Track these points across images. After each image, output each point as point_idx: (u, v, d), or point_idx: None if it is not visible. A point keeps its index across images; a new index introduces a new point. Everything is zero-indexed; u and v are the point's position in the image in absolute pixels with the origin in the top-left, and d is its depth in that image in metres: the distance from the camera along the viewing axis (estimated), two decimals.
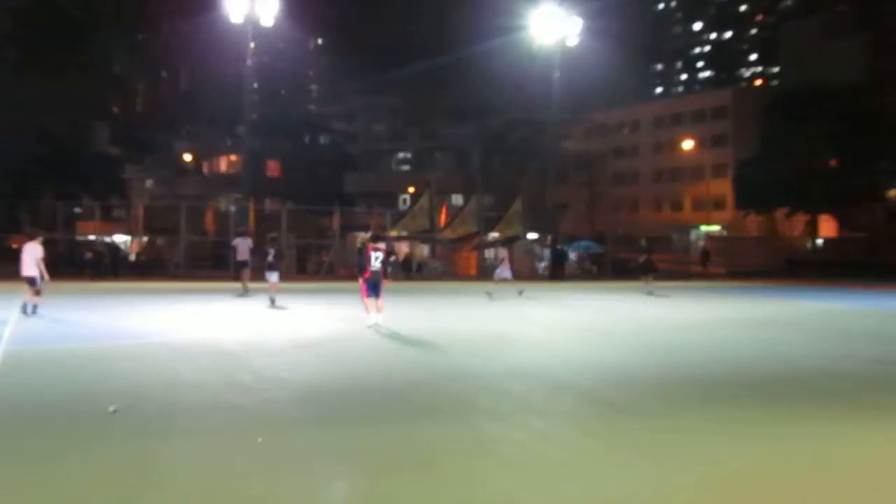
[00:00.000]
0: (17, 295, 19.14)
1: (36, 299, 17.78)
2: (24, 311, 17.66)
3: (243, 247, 26.96)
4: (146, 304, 22.05)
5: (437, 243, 46.61)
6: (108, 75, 53.69)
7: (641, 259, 32.32)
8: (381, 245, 17.09)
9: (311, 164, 68.05)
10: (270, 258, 22.62)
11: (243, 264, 26.77)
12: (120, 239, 45.56)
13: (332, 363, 12.03)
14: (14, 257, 19.20)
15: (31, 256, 17.91)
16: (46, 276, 18.00)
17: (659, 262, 38.85)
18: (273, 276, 22.08)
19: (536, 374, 11.26)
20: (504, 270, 27.25)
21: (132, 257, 42.25)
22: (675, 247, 55.17)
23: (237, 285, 26.83)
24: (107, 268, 35.65)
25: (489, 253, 46.39)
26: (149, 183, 72.92)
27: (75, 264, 35.40)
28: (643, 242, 42.69)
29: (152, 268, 38.75)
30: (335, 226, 41.93)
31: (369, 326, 16.06)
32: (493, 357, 12.84)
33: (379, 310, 16.43)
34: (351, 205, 56.93)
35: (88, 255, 36.59)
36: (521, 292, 26.97)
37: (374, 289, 16.42)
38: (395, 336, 15.26)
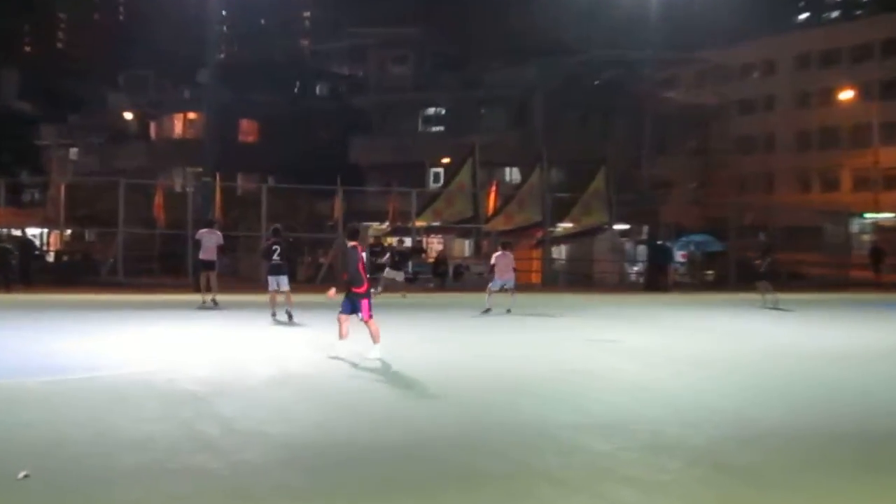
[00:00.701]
0: None
1: None
2: None
3: (209, 242, 27.25)
4: (69, 323, 22.23)
5: (484, 237, 46.76)
6: None
7: (759, 258, 31.99)
8: (357, 243, 17.00)
9: (303, 125, 68.47)
10: (277, 257, 23.21)
11: (209, 265, 27.07)
12: (33, 232, 46.20)
13: (330, 408, 12.06)
14: None
15: None
16: None
17: (806, 264, 38.60)
18: (283, 282, 23.38)
19: (626, 425, 11.20)
20: (498, 279, 27.71)
21: (50, 257, 42.86)
22: (827, 242, 54.57)
23: (197, 296, 27.06)
24: (14, 273, 36.13)
25: (556, 251, 46.41)
26: (73, 153, 73.92)
27: None
28: (761, 236, 42.37)
29: (78, 272, 39.25)
30: (337, 213, 42.18)
31: (332, 357, 16.20)
32: (563, 402, 12.79)
33: (375, 339, 16.41)
34: (359, 182, 57.22)
35: None
36: (508, 310, 26.90)
37: (352, 304, 16.52)
38: (419, 369, 15.26)
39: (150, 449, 9.66)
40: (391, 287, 33.48)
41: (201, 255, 27.57)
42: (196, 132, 67.76)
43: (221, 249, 27.77)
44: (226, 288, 27.81)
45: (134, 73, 75.02)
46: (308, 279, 39.12)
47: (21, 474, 8.46)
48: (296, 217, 44.52)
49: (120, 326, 21.53)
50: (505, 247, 29.11)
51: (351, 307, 16.48)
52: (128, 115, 73.66)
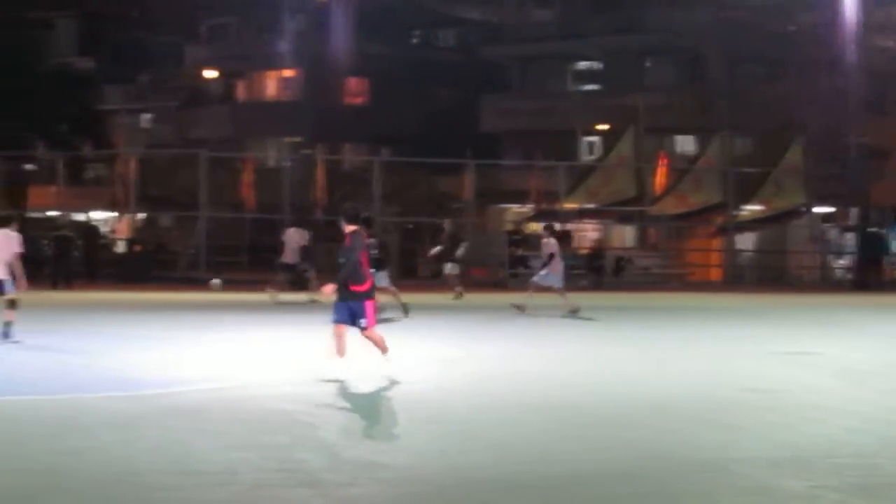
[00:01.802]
0: None
1: (9, 315, 19.67)
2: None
3: (294, 241, 28.28)
4: (141, 329, 22.74)
5: (651, 223, 46.35)
6: None
7: None
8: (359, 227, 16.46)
9: (424, 84, 68.61)
10: (375, 251, 23.47)
11: (289, 269, 28.05)
12: (98, 217, 47.24)
13: (453, 434, 12.08)
14: None
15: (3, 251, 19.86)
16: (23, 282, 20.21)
17: None
18: (381, 278, 23.46)
19: (828, 459, 11.03)
20: (550, 274, 27.62)
21: (118, 247, 43.61)
22: None
23: (295, 296, 27.54)
24: (75, 266, 36.94)
25: (741, 241, 45.73)
26: (145, 119, 75.10)
27: (25, 260, 36.96)
28: None
29: (151, 265, 39.89)
30: (467, 192, 42.31)
31: (327, 380, 15.54)
32: (748, 430, 12.62)
33: (384, 349, 16.10)
34: (494, 154, 57.08)
35: (46, 244, 38.03)
36: (574, 311, 26.94)
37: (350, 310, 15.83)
38: (572, 388, 15.22)
39: (236, 483, 9.77)
40: (451, 283, 33.31)
41: (284, 259, 28.44)
42: (292, 93, 68.26)
43: (306, 250, 28.50)
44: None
45: (217, 23, 75.50)
46: (435, 273, 39.27)
47: None
48: (415, 198, 44.78)
49: (201, 333, 21.91)
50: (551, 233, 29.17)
51: (350, 313, 15.62)
52: (209, 74, 74.03)
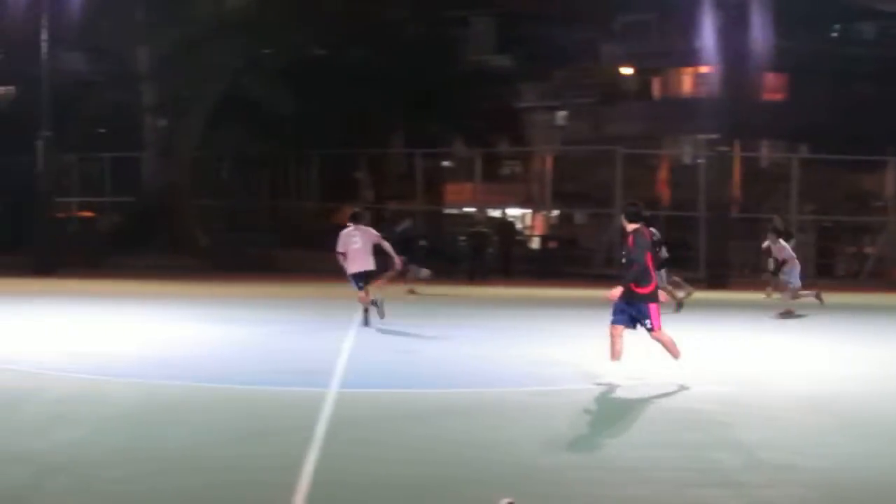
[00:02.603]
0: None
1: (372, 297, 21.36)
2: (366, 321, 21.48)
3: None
4: (558, 324, 23.19)
5: None
6: None
7: None
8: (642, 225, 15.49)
9: (843, 78, 66.69)
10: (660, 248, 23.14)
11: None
12: (513, 213, 48.22)
13: (880, 440, 11.74)
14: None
15: (365, 244, 21.52)
16: (397, 262, 22.71)
17: None
18: (662, 276, 23.36)
19: None
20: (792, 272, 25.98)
21: (533, 243, 44.38)
22: None
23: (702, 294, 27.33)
24: (491, 262, 37.78)
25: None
26: (560, 116, 75.99)
27: (440, 253, 38.11)
28: None
29: (564, 261, 40.37)
30: (889, 190, 40.86)
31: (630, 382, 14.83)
32: None
33: (675, 353, 15.14)
34: None
35: (463, 240, 39.09)
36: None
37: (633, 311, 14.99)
38: None
39: (654, 480, 9.79)
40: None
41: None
42: (709, 90, 67.58)
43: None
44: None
45: (633, 19, 75.64)
46: (853, 274, 38.19)
47: (504, 501, 8.84)
48: (833, 195, 43.62)
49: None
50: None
51: (630, 315, 14.88)
52: (625, 71, 74.47)
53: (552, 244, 42.65)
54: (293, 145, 49.50)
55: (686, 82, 73.61)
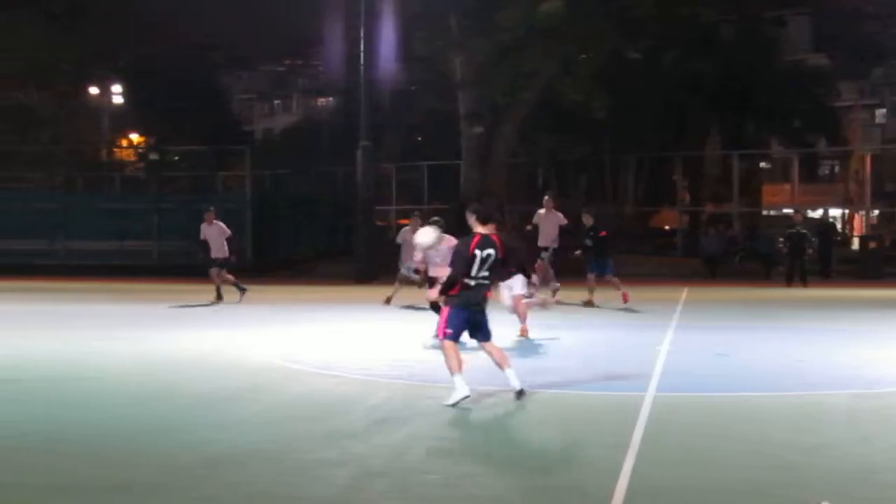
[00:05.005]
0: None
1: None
2: None
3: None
4: (879, 326, 22.45)
5: None
6: None
7: None
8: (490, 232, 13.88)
9: None
10: None
11: None
12: (833, 213, 47.08)
13: None
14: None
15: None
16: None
17: None
18: None
19: None
20: None
21: (853, 244, 43.23)
22: None
23: None
24: (810, 264, 37.01)
25: None
26: (880, 115, 73.84)
27: (756, 254, 37.48)
28: None
29: (884, 262, 39.25)
30: None
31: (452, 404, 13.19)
32: None
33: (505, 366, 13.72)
34: None
35: (781, 242, 38.33)
36: None
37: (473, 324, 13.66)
38: None
39: None
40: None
41: None
42: None
43: None
44: None
45: None
46: None
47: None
48: None
49: None
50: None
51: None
52: None
53: (872, 244, 41.41)
54: (609, 149, 49.52)
55: None
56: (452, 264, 13.47)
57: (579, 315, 25.72)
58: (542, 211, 28.95)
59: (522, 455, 10.91)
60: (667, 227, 53.68)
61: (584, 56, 45.02)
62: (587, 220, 27.10)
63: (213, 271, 28.83)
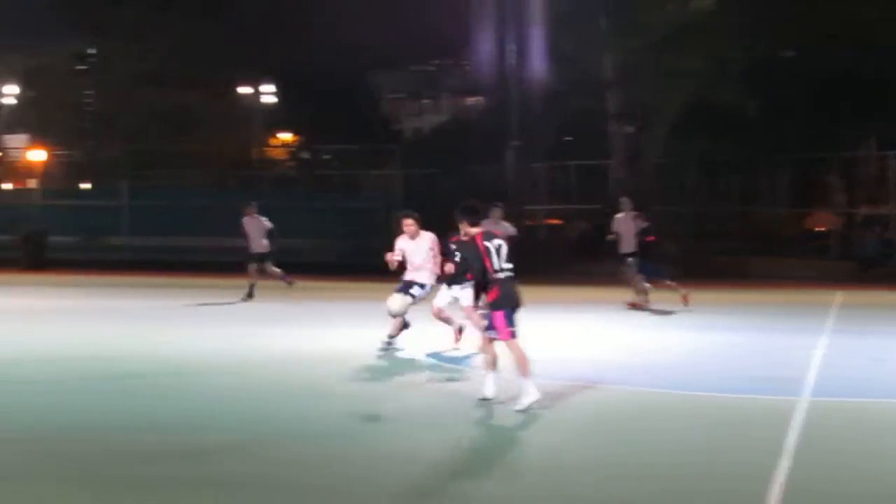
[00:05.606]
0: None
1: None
2: None
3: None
4: None
5: None
6: None
7: None
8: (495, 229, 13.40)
9: None
10: None
11: None
12: None
13: None
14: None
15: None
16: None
17: None
18: None
19: None
20: None
21: None
22: None
23: None
24: None
25: None
26: None
27: None
28: None
29: None
30: None
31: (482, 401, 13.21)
32: None
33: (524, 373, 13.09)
34: None
35: None
36: None
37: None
38: None
39: None
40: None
41: None
42: None
43: None
44: None
45: None
46: None
47: None
48: None
49: None
50: None
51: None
52: None
53: None
54: (762, 150, 48.80)
55: None
56: (469, 269, 13.67)
57: (737, 318, 25.45)
58: (619, 215, 27.43)
59: (673, 457, 10.79)
60: (820, 229, 52.83)
61: (734, 55, 44.46)
62: (640, 224, 26.48)
63: (252, 267, 28.67)
